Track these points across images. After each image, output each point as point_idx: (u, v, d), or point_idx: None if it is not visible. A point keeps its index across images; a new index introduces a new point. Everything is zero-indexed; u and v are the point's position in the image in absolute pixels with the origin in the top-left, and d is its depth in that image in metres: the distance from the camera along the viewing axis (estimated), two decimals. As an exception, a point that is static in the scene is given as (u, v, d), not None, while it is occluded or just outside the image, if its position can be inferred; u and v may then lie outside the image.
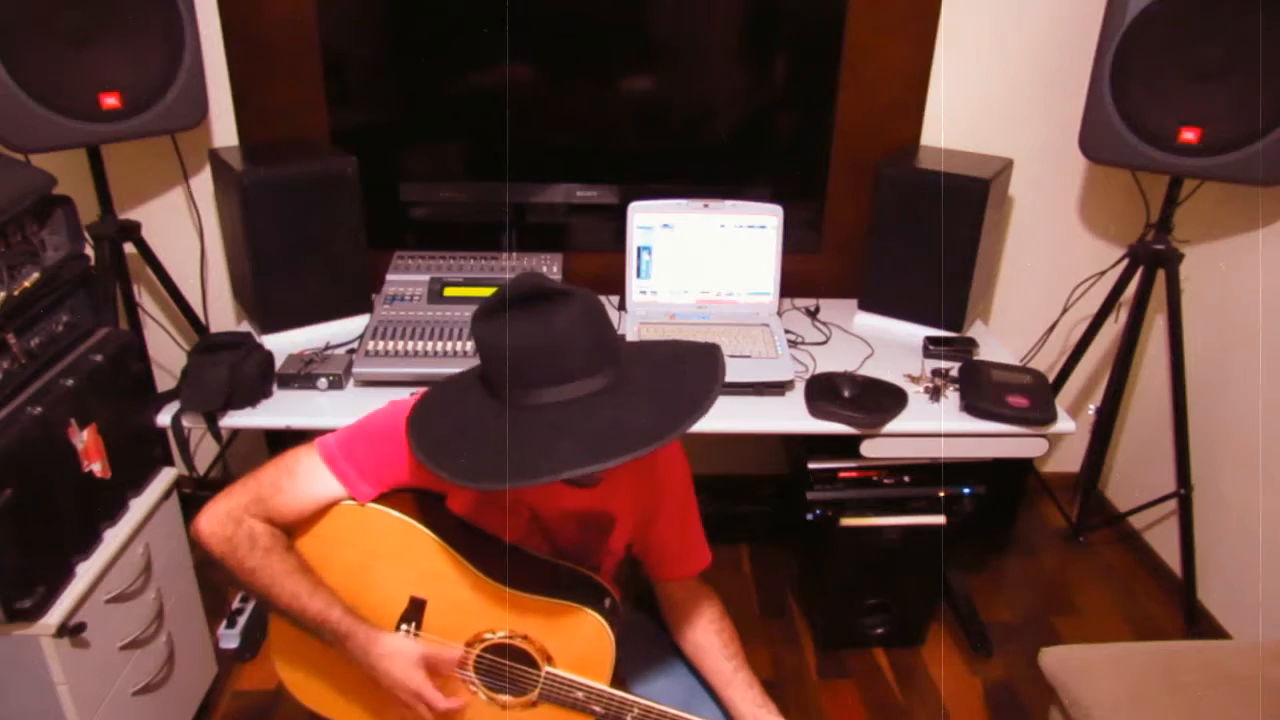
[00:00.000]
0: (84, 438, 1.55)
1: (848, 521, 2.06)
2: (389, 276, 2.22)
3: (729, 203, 2.22)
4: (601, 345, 1.13)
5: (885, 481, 2.06)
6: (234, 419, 1.82)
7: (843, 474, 2.06)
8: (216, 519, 1.22)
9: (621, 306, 2.34)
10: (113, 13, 1.86)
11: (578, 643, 1.28)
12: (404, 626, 1.29)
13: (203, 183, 2.34)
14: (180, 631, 1.84)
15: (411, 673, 1.23)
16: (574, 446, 1.04)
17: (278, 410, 1.86)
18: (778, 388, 1.97)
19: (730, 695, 1.38)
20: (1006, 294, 2.62)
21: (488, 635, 1.29)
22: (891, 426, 1.90)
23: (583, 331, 1.11)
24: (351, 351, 2.02)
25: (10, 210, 1.50)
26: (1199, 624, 2.35)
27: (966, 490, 2.05)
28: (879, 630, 2.24)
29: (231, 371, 1.79)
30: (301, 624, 1.23)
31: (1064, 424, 1.92)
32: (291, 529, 1.28)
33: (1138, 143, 2.03)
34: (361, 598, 1.27)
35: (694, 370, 1.18)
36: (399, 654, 1.24)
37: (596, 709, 1.29)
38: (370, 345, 1.95)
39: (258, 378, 1.86)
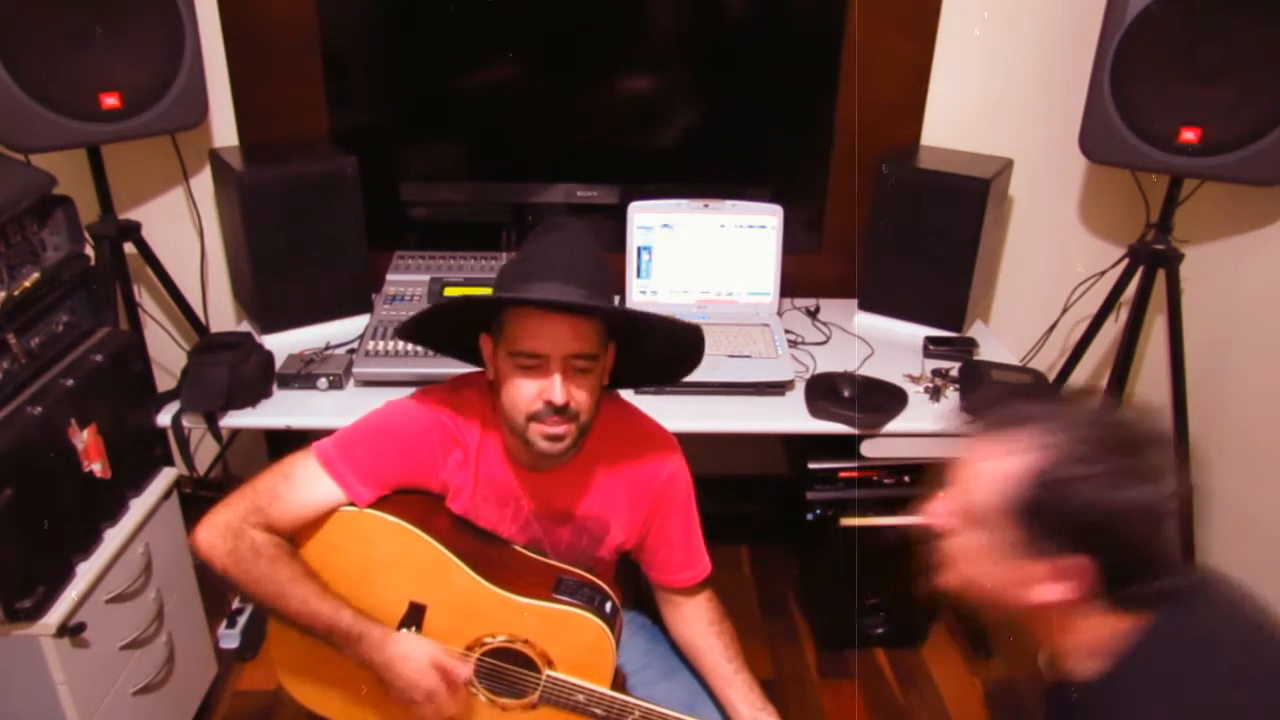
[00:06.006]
0: (84, 438, 1.55)
1: (848, 521, 2.06)
2: (389, 276, 2.22)
3: (729, 203, 2.22)
4: (586, 270, 1.22)
5: (885, 481, 2.06)
6: (234, 419, 1.82)
7: (843, 474, 2.06)
8: (216, 532, 1.20)
9: (621, 306, 2.34)
10: (113, 13, 1.86)
11: (578, 646, 1.28)
12: (404, 631, 1.29)
13: (203, 183, 2.33)
14: (180, 631, 1.84)
15: (426, 673, 1.23)
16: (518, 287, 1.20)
17: (278, 410, 1.86)
18: (778, 388, 1.96)
19: (730, 697, 1.38)
20: (1006, 294, 2.62)
21: (488, 639, 1.29)
22: (891, 426, 1.90)
23: (570, 249, 1.24)
24: (351, 351, 2.02)
25: (10, 210, 1.50)
26: (1199, 624, 2.35)
27: (967, 490, 2.05)
28: (879, 630, 2.24)
29: (231, 371, 1.79)
30: (311, 630, 1.22)
31: (1064, 424, 1.91)
32: (292, 536, 1.27)
33: (1138, 143, 2.02)
34: (361, 603, 1.27)
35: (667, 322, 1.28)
36: (413, 655, 1.23)
37: (597, 712, 1.29)
38: (370, 345, 1.95)
39: (258, 378, 1.86)
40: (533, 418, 1.22)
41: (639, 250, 2.24)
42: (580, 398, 1.21)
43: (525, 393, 1.21)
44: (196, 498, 2.20)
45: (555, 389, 1.18)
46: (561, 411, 1.20)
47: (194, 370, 1.80)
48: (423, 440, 1.30)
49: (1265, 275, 2.16)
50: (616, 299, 2.36)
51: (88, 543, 1.57)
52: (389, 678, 1.23)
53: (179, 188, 2.35)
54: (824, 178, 2.42)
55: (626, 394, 1.87)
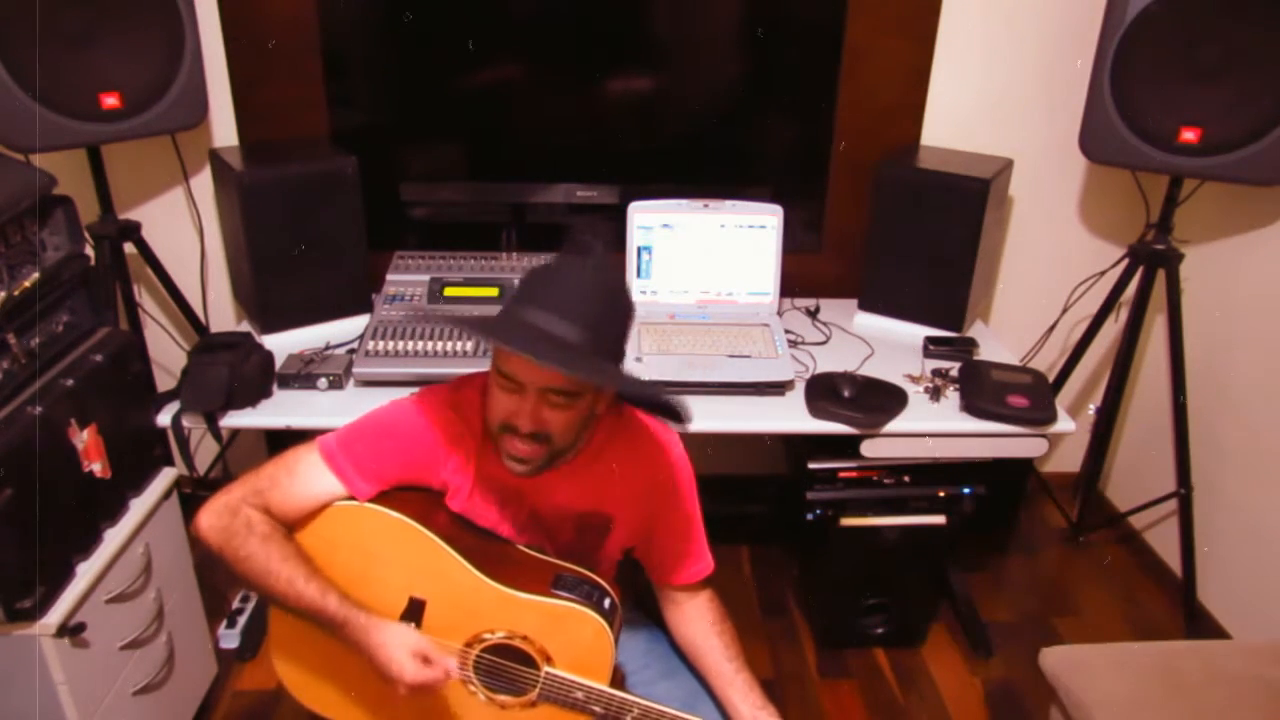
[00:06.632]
0: (84, 438, 1.55)
1: (848, 521, 2.06)
2: (389, 276, 2.22)
3: (729, 203, 2.22)
4: (592, 309, 1.18)
5: (885, 481, 2.06)
6: (234, 419, 1.82)
7: (843, 474, 2.06)
8: (215, 512, 1.23)
9: (621, 306, 2.33)
10: (113, 13, 1.86)
11: (577, 643, 1.28)
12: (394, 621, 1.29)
13: (203, 183, 2.33)
14: (180, 631, 1.84)
15: (406, 661, 1.22)
16: (501, 332, 1.17)
17: (278, 410, 1.86)
18: (778, 388, 1.96)
19: (731, 696, 1.38)
20: (1006, 294, 2.62)
21: (487, 635, 1.29)
22: (891, 426, 1.90)
23: (585, 283, 1.19)
24: (351, 351, 2.02)
25: (10, 210, 1.50)
26: (1199, 624, 2.35)
27: (966, 490, 2.05)
28: (879, 630, 2.24)
29: (231, 371, 1.79)
30: (299, 611, 1.23)
31: (1064, 424, 1.92)
32: (290, 528, 1.28)
33: (1138, 143, 2.03)
34: (361, 598, 1.27)
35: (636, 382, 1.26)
36: (394, 642, 1.23)
37: (596, 709, 1.29)
38: (370, 345, 1.95)
39: (258, 378, 1.86)
40: (504, 430, 1.23)
41: (639, 250, 2.24)
42: (554, 425, 1.21)
43: (500, 407, 1.22)
44: (196, 498, 2.20)
45: (524, 415, 1.20)
46: (532, 436, 1.21)
47: (194, 370, 1.80)
48: (424, 439, 1.30)
49: (1265, 275, 2.16)
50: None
51: (88, 543, 1.57)
52: (375, 664, 1.23)
53: (179, 188, 2.35)
54: (824, 178, 2.43)
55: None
